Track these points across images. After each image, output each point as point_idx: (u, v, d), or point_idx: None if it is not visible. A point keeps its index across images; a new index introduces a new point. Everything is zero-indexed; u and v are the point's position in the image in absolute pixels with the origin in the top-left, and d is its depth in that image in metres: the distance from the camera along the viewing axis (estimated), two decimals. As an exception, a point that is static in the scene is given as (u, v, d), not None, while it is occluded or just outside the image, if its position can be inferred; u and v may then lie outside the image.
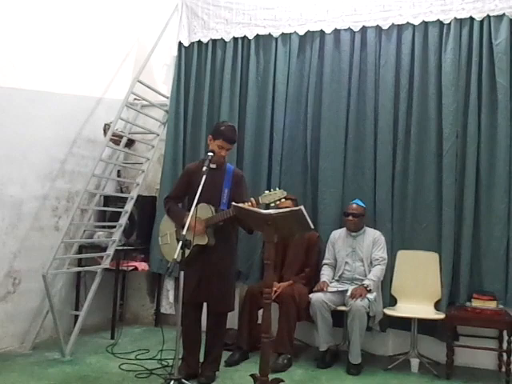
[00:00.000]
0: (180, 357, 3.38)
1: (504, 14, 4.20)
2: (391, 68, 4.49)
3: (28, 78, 4.16)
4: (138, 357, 4.03)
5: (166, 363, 3.78)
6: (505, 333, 3.82)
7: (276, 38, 4.87)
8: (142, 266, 4.92)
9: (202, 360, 3.64)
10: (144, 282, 5.25)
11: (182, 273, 3.13)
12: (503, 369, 3.80)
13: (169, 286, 5.04)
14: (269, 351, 3.07)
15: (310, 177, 4.68)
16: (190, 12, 5.20)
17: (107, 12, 4.97)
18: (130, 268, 4.81)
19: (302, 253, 4.39)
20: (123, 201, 4.82)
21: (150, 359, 3.95)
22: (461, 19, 4.33)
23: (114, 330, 4.57)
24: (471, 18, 4.30)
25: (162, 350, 3.85)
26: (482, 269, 4.14)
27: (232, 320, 4.10)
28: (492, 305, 3.90)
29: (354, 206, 4.31)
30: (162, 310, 5.10)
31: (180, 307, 3.17)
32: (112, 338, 4.52)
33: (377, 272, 4.13)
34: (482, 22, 4.27)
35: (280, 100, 4.79)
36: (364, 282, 4.04)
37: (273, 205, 3.46)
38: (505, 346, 3.78)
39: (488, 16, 4.25)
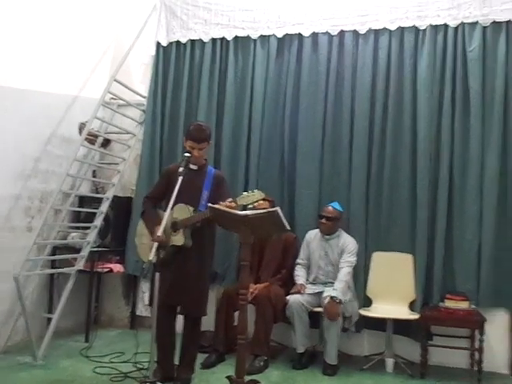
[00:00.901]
0: (155, 360, 3.35)
1: (477, 22, 4.30)
2: (368, 72, 4.55)
3: (2, 75, 4.08)
4: (112, 360, 3.97)
5: (141, 366, 3.74)
6: (476, 332, 3.90)
7: (254, 40, 4.89)
8: (118, 267, 4.86)
9: (177, 363, 3.61)
10: (119, 284, 5.18)
11: (158, 274, 3.10)
12: (475, 367, 3.87)
13: (144, 287, 5.00)
14: (245, 353, 3.07)
15: (287, 178, 4.71)
16: (168, 12, 5.18)
17: (85, 9, 4.90)
18: (105, 270, 4.75)
19: (278, 254, 4.40)
20: (98, 201, 4.76)
21: (124, 362, 3.90)
22: (436, 26, 4.41)
23: (88, 332, 4.50)
24: (446, 25, 4.39)
25: (137, 353, 3.82)
26: (454, 269, 4.22)
27: (208, 322, 4.09)
28: (464, 305, 3.97)
29: (330, 208, 4.31)
30: (138, 313, 5.05)
31: (155, 309, 3.14)
32: (86, 341, 4.45)
33: (342, 277, 4.09)
34: (456, 28, 4.37)
35: (258, 102, 4.81)
36: (333, 295, 3.94)
37: (250, 206, 3.45)
38: (477, 344, 3.86)
39: (462, 23, 4.35)
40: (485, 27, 4.29)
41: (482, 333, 3.82)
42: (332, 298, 3.92)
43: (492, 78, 4.25)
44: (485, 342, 3.83)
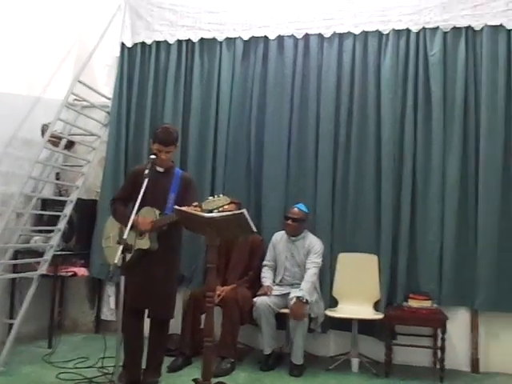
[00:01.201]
0: (121, 364, 3.31)
1: (438, 27, 4.41)
2: (333, 75, 4.61)
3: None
4: (77, 365, 3.91)
5: (106, 371, 3.68)
6: (439, 331, 3.98)
7: (220, 42, 4.89)
8: (82, 271, 4.78)
9: (143, 367, 3.57)
10: (84, 288, 5.10)
11: (123, 278, 3.07)
12: (438, 365, 3.96)
13: (110, 291, 4.93)
14: (211, 355, 3.07)
15: (253, 180, 4.72)
16: (133, 12, 5.13)
17: (47, 9, 4.81)
18: (69, 274, 4.66)
19: (245, 256, 4.41)
20: (62, 204, 4.68)
21: (89, 367, 3.83)
22: (398, 30, 4.50)
23: (51, 338, 4.41)
24: (408, 30, 4.49)
25: (102, 358, 3.76)
26: (418, 270, 4.31)
27: (175, 325, 4.06)
28: (427, 304, 4.06)
29: (296, 210, 4.34)
30: (103, 317, 4.98)
31: (121, 313, 3.11)
32: (49, 346, 4.37)
33: (309, 277, 4.13)
34: (418, 33, 4.46)
35: (224, 104, 4.81)
36: (299, 295, 3.97)
37: (221, 209, 3.44)
38: (439, 343, 3.94)
39: (424, 28, 4.45)
40: (445, 32, 4.41)
41: (443, 331, 3.90)
42: (298, 298, 3.95)
43: (452, 83, 4.35)
44: (447, 341, 3.91)
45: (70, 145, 5.07)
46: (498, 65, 4.25)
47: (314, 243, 4.29)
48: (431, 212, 4.31)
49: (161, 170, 3.51)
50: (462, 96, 4.31)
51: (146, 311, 3.56)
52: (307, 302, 3.97)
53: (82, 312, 5.10)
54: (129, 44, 5.09)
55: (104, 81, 5.22)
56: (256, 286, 4.31)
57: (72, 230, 4.72)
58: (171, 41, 4.98)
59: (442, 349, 3.88)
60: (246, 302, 4.12)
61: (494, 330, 4.18)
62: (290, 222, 4.31)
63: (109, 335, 4.08)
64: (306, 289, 4.03)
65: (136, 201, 3.21)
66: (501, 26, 4.27)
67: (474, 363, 4.16)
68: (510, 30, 4.26)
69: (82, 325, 5.08)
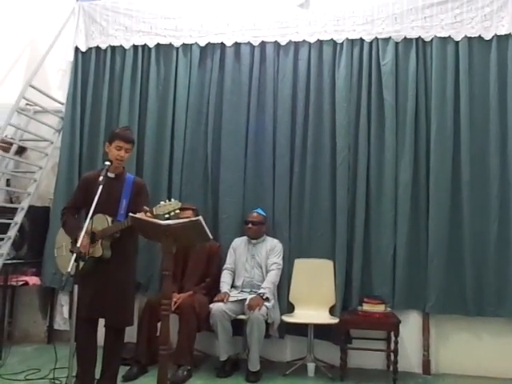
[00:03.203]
0: (74, 374, 3.24)
1: (390, 37, 4.53)
2: (289, 82, 4.67)
3: None
4: (27, 377, 3.80)
5: (58, 382, 3.60)
6: (392, 334, 4.06)
7: (177, 48, 4.88)
8: (34, 280, 4.66)
9: (97, 377, 3.50)
10: (36, 298, 4.95)
11: (76, 287, 3.01)
12: (391, 368, 4.03)
13: (63, 300, 4.81)
14: (167, 363, 3.04)
15: (210, 187, 4.72)
16: (87, 17, 5.06)
17: (-3, 11, 4.70)
18: (20, 283, 4.54)
19: (202, 263, 4.39)
20: (13, 211, 4.56)
21: (41, 379, 3.74)
22: (352, 40, 4.60)
23: (0, 349, 4.26)
24: (361, 39, 4.59)
25: (54, 369, 3.66)
26: (372, 274, 4.39)
27: (130, 333, 4.00)
28: (381, 308, 4.14)
29: (255, 214, 4.40)
30: (56, 326, 4.86)
31: (74, 322, 3.04)
32: (-1, 358, 4.24)
33: (271, 278, 4.23)
34: (371, 43, 4.58)
35: (181, 110, 4.80)
36: (260, 291, 4.11)
37: (173, 215, 3.42)
38: (392, 346, 4.03)
39: (376, 38, 4.56)
40: (397, 43, 4.53)
41: (396, 335, 3.98)
42: (259, 294, 4.03)
43: (404, 91, 4.48)
44: (399, 343, 3.99)
45: (22, 150, 4.95)
46: (446, 75, 4.40)
47: (274, 244, 4.39)
48: (384, 217, 4.41)
49: (112, 175, 3.47)
50: (413, 104, 4.44)
51: (101, 320, 3.50)
52: (267, 299, 4.01)
53: (34, 322, 4.95)
54: (83, 48, 5.01)
55: (57, 85, 5.12)
56: (213, 292, 4.30)
57: (23, 237, 4.60)
58: (127, 46, 4.94)
59: (395, 352, 3.96)
60: (202, 308, 4.10)
61: (444, 333, 4.30)
62: (250, 225, 4.37)
63: (62, 345, 3.98)
64: (268, 288, 4.12)
65: (89, 208, 3.16)
66: (449, 37, 4.43)
67: (426, 365, 4.26)
68: (457, 42, 4.42)
69: (33, 335, 4.93)
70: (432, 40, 4.47)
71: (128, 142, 3.50)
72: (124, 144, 3.47)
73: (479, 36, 4.40)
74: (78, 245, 3.02)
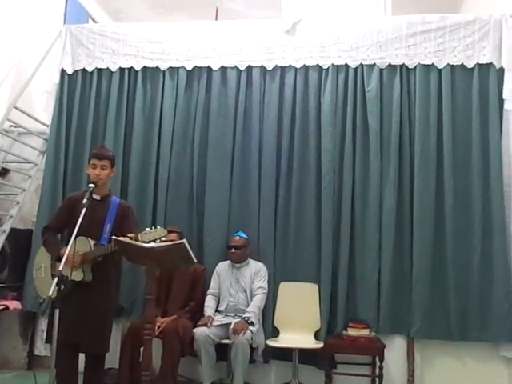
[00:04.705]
0: (54, 401, 3.16)
1: (375, 64, 4.60)
2: (275, 107, 4.71)
3: None
4: (6, 405, 3.71)
5: (37, 410, 3.51)
6: (377, 359, 4.05)
7: (163, 71, 4.90)
8: (14, 304, 4.56)
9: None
10: (16, 323, 4.83)
11: (57, 311, 2.95)
12: (376, 393, 4.02)
13: (44, 325, 4.71)
14: (150, 390, 2.99)
15: (195, 209, 4.70)
16: (74, 39, 5.06)
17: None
18: (1, 307, 4.44)
19: (187, 286, 4.35)
20: (-6, 234, 4.49)
21: (19, 406, 3.65)
22: (337, 65, 4.67)
23: (-22, 376, 4.17)
24: (347, 65, 4.66)
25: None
26: (356, 298, 4.38)
27: (112, 358, 3.93)
28: (365, 332, 4.12)
29: (237, 238, 4.39)
30: (36, 352, 4.75)
31: (54, 348, 2.98)
32: (-24, 385, 4.13)
33: (257, 302, 4.21)
34: (356, 69, 4.65)
35: (166, 133, 4.80)
36: (245, 315, 4.09)
37: (158, 241, 3.39)
38: (377, 371, 4.00)
39: (361, 64, 4.63)
40: (381, 69, 4.61)
41: (381, 359, 3.97)
42: (243, 318, 4.00)
43: (388, 117, 4.54)
44: (384, 368, 3.98)
45: (5, 172, 4.90)
46: (429, 101, 4.47)
47: (259, 268, 4.37)
48: (369, 241, 4.41)
49: (97, 197, 3.44)
50: (397, 129, 4.49)
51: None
52: (252, 323, 3.98)
53: (14, 348, 4.82)
54: (69, 71, 5.01)
55: (42, 107, 5.07)
56: (198, 316, 4.25)
57: (5, 260, 4.53)
58: (113, 68, 4.95)
59: (380, 377, 3.94)
60: (186, 333, 4.04)
61: (429, 357, 4.28)
62: (233, 250, 4.36)
63: (42, 371, 3.89)
64: (253, 313, 4.09)
65: (72, 230, 3.12)
66: (432, 65, 4.52)
67: (410, 390, 4.25)
68: (440, 70, 4.51)
69: (13, 361, 4.80)
70: (416, 67, 4.55)
71: (101, 158, 3.47)
72: (97, 161, 3.45)
73: (462, 64, 4.49)
74: (60, 268, 2.96)
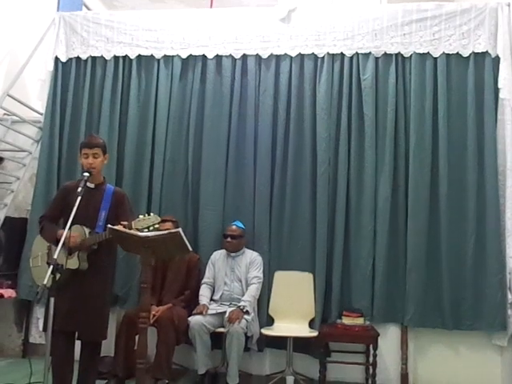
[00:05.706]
0: (49, 389, 3.17)
1: (370, 53, 4.59)
2: (270, 95, 4.69)
3: None
4: (1, 392, 3.73)
5: (33, 397, 3.53)
6: (371, 347, 4.07)
7: (158, 60, 4.87)
8: (9, 292, 4.56)
9: (73, 391, 3.44)
10: (11, 311, 4.85)
11: (52, 299, 2.95)
12: (370, 381, 4.04)
13: (39, 313, 4.72)
14: (144, 377, 3.01)
15: (191, 198, 4.70)
16: (68, 27, 5.02)
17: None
18: (-5, 295, 4.46)
19: (182, 275, 4.36)
20: (-12, 223, 4.48)
21: (15, 394, 3.67)
22: (333, 54, 4.65)
23: (-27, 364, 4.19)
24: (342, 54, 4.64)
25: (29, 383, 3.59)
26: (351, 287, 4.40)
27: (108, 347, 3.94)
28: (360, 321, 4.14)
29: (233, 227, 4.39)
30: (31, 340, 4.77)
31: (49, 336, 2.98)
32: (-29, 373, 4.14)
33: (252, 291, 4.22)
34: (351, 58, 4.63)
35: (161, 121, 4.78)
36: (240, 304, 4.10)
37: (152, 230, 3.39)
38: (371, 359, 4.03)
39: (357, 53, 4.62)
40: (377, 58, 4.59)
41: (375, 348, 4.00)
42: (239, 307, 4.00)
43: (384, 106, 4.53)
44: (378, 357, 4.01)
45: (-1, 160, 4.87)
46: (425, 90, 4.46)
47: (254, 257, 4.37)
48: (364, 229, 4.42)
49: (91, 185, 3.43)
50: (393, 118, 4.49)
51: (77, 333, 3.45)
52: (247, 312, 3.99)
53: (9, 336, 4.85)
54: (63, 58, 4.97)
55: (36, 95, 5.05)
56: (193, 305, 4.26)
57: (-1, 249, 4.52)
58: (108, 56, 4.92)
59: (374, 365, 3.97)
60: (181, 321, 4.06)
61: (422, 346, 4.32)
62: (229, 239, 4.36)
63: (38, 359, 3.91)
64: (248, 302, 4.10)
65: (67, 219, 3.12)
66: (428, 53, 4.51)
67: (404, 378, 4.26)
68: (436, 58, 4.50)
69: (8, 349, 4.82)
70: (411, 56, 4.53)
71: (92, 147, 3.45)
72: (89, 150, 3.43)
73: (457, 53, 4.48)
74: (55, 256, 2.96)
